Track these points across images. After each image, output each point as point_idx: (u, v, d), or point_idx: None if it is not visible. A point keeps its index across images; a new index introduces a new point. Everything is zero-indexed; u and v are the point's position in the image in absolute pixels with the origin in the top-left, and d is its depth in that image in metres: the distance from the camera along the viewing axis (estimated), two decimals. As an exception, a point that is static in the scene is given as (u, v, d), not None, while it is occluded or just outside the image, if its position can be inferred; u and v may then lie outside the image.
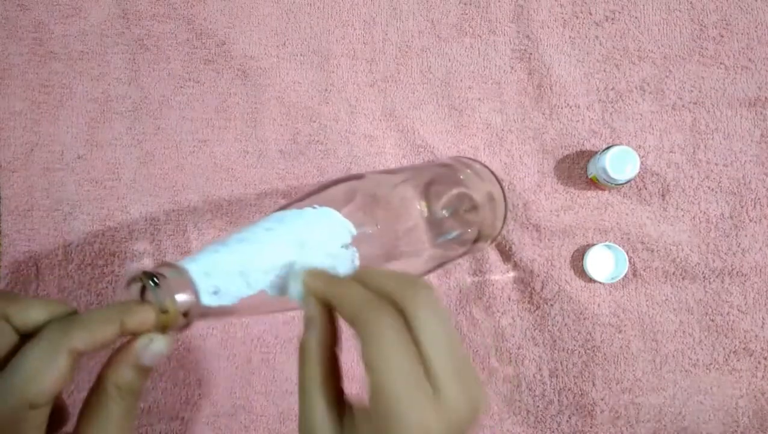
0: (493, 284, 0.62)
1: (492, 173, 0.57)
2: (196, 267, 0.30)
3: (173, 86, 0.65)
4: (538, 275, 0.61)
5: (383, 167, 0.63)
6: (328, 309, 0.30)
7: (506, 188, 0.62)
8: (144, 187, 0.64)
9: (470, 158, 0.61)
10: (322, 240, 0.35)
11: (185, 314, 0.29)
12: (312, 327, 0.30)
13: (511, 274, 0.62)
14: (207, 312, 0.30)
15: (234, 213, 0.64)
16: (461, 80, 0.63)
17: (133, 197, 0.64)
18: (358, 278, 0.30)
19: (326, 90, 0.64)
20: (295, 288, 0.32)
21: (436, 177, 0.51)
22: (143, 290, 0.28)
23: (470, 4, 0.64)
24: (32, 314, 0.27)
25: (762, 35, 0.62)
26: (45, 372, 0.25)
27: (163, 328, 0.28)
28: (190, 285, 0.29)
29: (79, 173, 0.65)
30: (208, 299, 0.30)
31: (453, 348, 0.27)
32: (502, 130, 0.63)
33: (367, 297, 0.28)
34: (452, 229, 0.49)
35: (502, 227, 0.57)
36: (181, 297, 0.28)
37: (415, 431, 0.25)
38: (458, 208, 0.50)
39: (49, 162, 0.65)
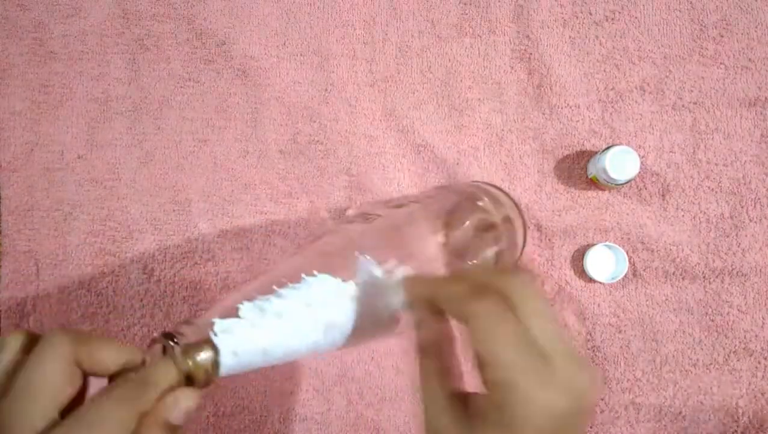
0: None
1: (509, 197, 0.57)
2: (226, 344, 0.30)
3: (173, 86, 0.65)
4: (539, 275, 0.61)
5: (383, 167, 0.63)
6: (436, 309, 0.30)
7: (507, 189, 0.62)
8: (144, 187, 0.64)
9: (487, 183, 0.61)
10: (348, 319, 0.35)
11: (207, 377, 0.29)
12: (423, 327, 0.30)
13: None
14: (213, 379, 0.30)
15: (234, 213, 0.64)
16: (461, 80, 0.63)
17: (134, 197, 0.64)
18: (456, 276, 0.30)
19: (326, 90, 0.64)
20: (398, 298, 0.32)
21: (452, 205, 0.51)
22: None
23: (470, 4, 0.64)
24: (105, 359, 0.27)
25: (762, 35, 0.62)
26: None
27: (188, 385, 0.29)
28: (213, 358, 0.29)
29: (80, 173, 0.65)
30: (225, 372, 0.30)
31: (558, 328, 0.27)
32: (502, 130, 0.63)
33: (468, 289, 0.28)
34: (472, 257, 0.48)
35: (522, 251, 0.57)
36: (203, 358, 0.29)
37: (541, 406, 0.25)
38: (477, 236, 0.49)
39: (49, 162, 0.65)
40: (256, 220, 0.64)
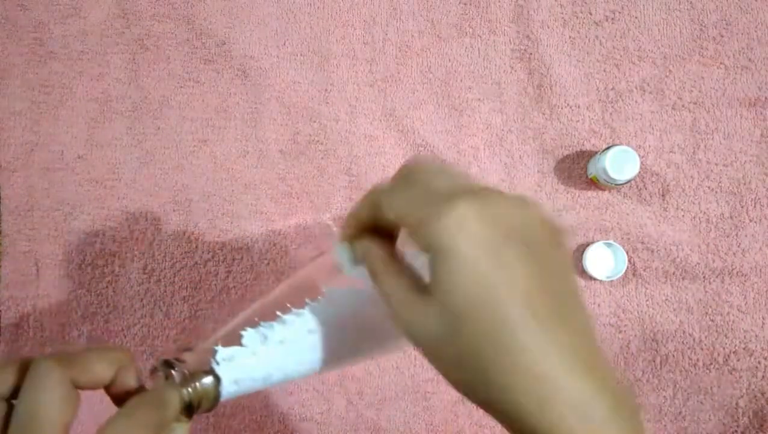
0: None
1: None
2: (228, 373, 0.30)
3: (173, 86, 0.65)
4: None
5: (383, 167, 0.63)
6: (367, 235, 0.30)
7: (507, 189, 0.62)
8: (144, 187, 0.64)
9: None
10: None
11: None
12: (368, 253, 0.29)
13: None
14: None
15: (234, 213, 0.64)
16: (461, 80, 0.63)
17: (134, 197, 0.64)
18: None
19: (326, 90, 0.64)
20: (344, 257, 0.32)
21: None
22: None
23: (470, 4, 0.64)
24: (99, 373, 0.27)
25: (762, 35, 0.62)
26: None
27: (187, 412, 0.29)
28: (215, 386, 0.29)
29: (80, 173, 0.65)
30: (224, 399, 0.30)
31: (463, 176, 0.27)
32: (502, 130, 0.63)
33: (368, 201, 0.29)
34: None
35: None
36: (205, 387, 0.29)
37: (454, 219, 0.23)
38: None
39: (49, 162, 0.65)
40: (256, 220, 0.64)
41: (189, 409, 0.28)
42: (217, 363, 0.30)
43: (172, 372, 0.28)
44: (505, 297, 0.23)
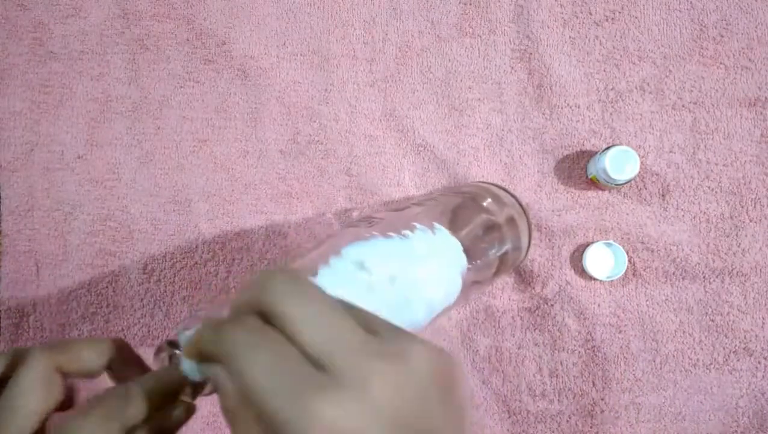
0: (494, 284, 0.62)
1: (514, 197, 0.56)
2: None
3: (173, 86, 0.65)
4: (539, 275, 0.61)
5: (383, 167, 0.63)
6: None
7: (508, 189, 0.62)
8: (144, 187, 0.64)
9: (491, 183, 0.61)
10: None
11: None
12: (223, 391, 0.23)
13: (512, 274, 0.62)
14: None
15: (234, 213, 0.64)
16: (461, 80, 0.63)
17: (134, 197, 0.64)
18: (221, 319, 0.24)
19: (326, 90, 0.64)
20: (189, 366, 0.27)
21: (456, 206, 0.50)
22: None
23: (470, 4, 0.64)
24: (88, 362, 0.27)
25: (762, 35, 0.62)
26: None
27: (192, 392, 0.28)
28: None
29: (80, 173, 0.65)
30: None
31: (341, 321, 0.21)
32: (502, 130, 0.63)
33: (221, 323, 0.22)
34: (476, 259, 0.47)
35: (527, 252, 0.56)
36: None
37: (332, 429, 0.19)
38: (481, 237, 0.49)
39: (49, 162, 0.65)
40: (256, 220, 0.64)
41: (196, 389, 0.27)
42: None
43: (176, 352, 0.27)
44: None
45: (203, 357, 0.23)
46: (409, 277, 0.33)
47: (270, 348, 0.20)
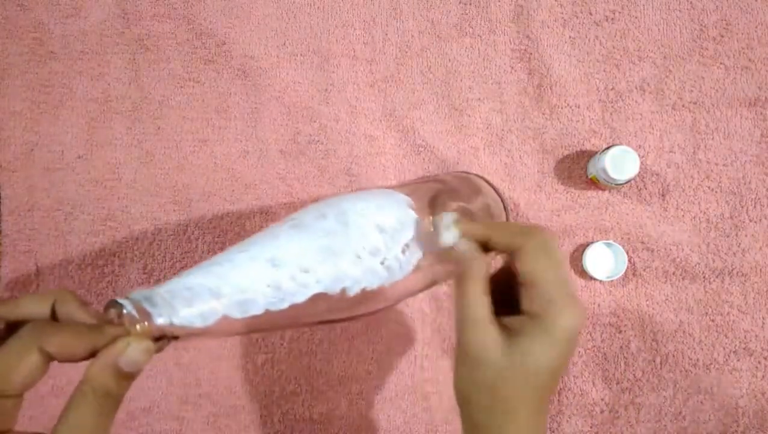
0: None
1: (493, 187, 0.57)
2: (162, 291, 0.30)
3: (173, 86, 0.65)
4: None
5: (383, 167, 0.63)
6: (480, 246, 0.36)
7: (507, 189, 0.62)
8: (144, 187, 0.64)
9: (472, 173, 0.61)
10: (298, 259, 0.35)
11: (158, 338, 0.30)
12: (472, 259, 0.35)
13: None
14: (178, 333, 0.30)
15: (235, 213, 0.64)
16: (461, 80, 0.63)
17: (134, 197, 0.64)
18: (500, 223, 0.38)
19: (326, 90, 0.64)
20: (450, 235, 0.37)
21: (435, 193, 0.51)
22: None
23: (470, 4, 0.64)
24: (73, 348, 0.28)
25: (762, 35, 0.62)
26: (16, 366, 0.27)
27: None
28: (150, 306, 0.29)
29: (80, 173, 0.65)
30: (163, 321, 0.30)
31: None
32: (502, 130, 0.63)
33: (524, 232, 0.35)
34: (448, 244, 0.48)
35: None
36: (158, 320, 0.29)
37: (570, 320, 0.32)
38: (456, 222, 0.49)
39: (49, 162, 0.65)
40: (256, 220, 0.64)
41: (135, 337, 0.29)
42: (159, 286, 0.30)
43: (117, 302, 0.29)
44: (549, 387, 0.33)
45: (483, 240, 0.36)
46: (337, 210, 0.37)
47: (554, 258, 0.33)
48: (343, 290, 0.36)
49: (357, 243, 0.36)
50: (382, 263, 0.37)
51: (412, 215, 0.40)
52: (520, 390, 0.33)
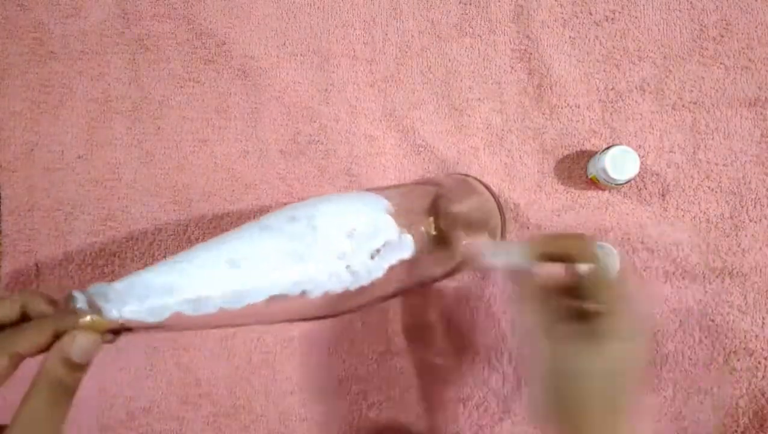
0: (494, 284, 0.62)
1: (488, 188, 0.57)
2: (119, 286, 0.32)
3: (173, 86, 0.65)
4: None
5: (383, 167, 0.63)
6: (552, 259, 0.38)
7: (507, 189, 0.62)
8: (144, 187, 0.64)
9: (464, 174, 0.61)
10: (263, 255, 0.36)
11: (116, 331, 0.31)
12: (530, 276, 0.37)
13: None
14: (132, 326, 0.31)
15: (234, 213, 0.64)
16: (461, 80, 0.63)
17: (134, 197, 0.64)
18: (564, 235, 0.41)
19: (326, 90, 0.64)
20: (516, 255, 0.38)
21: (431, 196, 0.51)
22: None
23: (470, 4, 0.64)
24: (2, 312, 0.30)
25: (762, 35, 0.62)
26: None
27: None
28: (102, 301, 0.30)
29: (80, 173, 0.65)
30: (114, 315, 0.31)
31: None
32: (502, 130, 0.63)
33: (586, 243, 0.37)
34: (443, 247, 0.48)
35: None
36: (110, 312, 0.30)
37: (623, 318, 0.34)
38: (452, 226, 0.49)
39: (49, 162, 0.65)
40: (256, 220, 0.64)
41: (91, 327, 0.30)
42: (116, 282, 0.32)
43: (72, 295, 0.30)
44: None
45: (546, 258, 0.37)
46: (309, 213, 0.37)
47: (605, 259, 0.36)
48: (303, 293, 0.36)
49: (323, 247, 0.36)
50: (347, 267, 0.37)
51: (388, 219, 0.40)
52: (622, 389, 0.34)
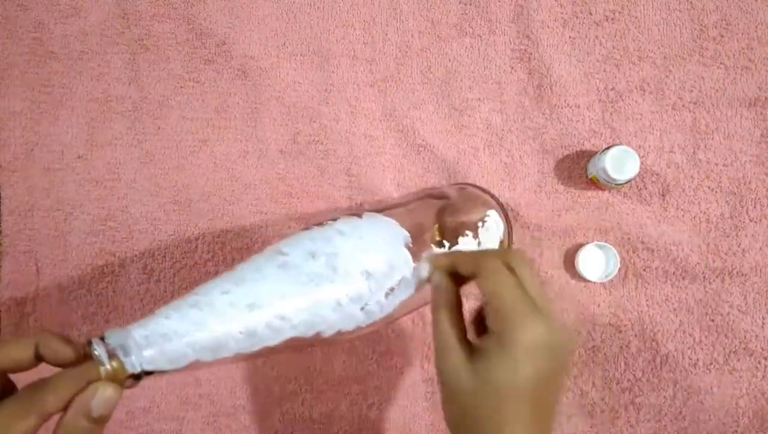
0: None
1: (493, 197, 0.57)
2: (137, 336, 0.31)
3: (173, 86, 0.65)
4: (539, 275, 0.61)
5: (383, 167, 0.63)
6: (449, 275, 0.38)
7: (507, 189, 0.62)
8: (144, 187, 0.64)
9: (469, 184, 0.61)
10: (278, 300, 0.36)
11: (137, 376, 0.31)
12: (440, 290, 0.37)
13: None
14: (150, 371, 0.32)
15: (234, 213, 0.64)
16: (461, 80, 0.63)
17: (134, 197, 0.64)
18: (468, 252, 0.42)
19: (326, 90, 0.64)
20: (423, 268, 0.39)
21: (443, 206, 0.51)
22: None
23: (470, 4, 0.64)
24: (12, 355, 0.30)
25: (762, 35, 0.62)
26: (12, 429, 0.28)
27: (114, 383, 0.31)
28: (122, 354, 0.31)
29: (80, 172, 0.65)
30: (134, 366, 0.31)
31: (544, 289, 0.36)
32: (502, 130, 0.63)
33: (481, 256, 0.37)
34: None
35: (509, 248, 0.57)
36: (128, 359, 0.31)
37: (531, 333, 0.32)
38: (457, 237, 0.49)
39: (49, 162, 0.65)
40: (256, 220, 0.64)
41: (113, 376, 0.30)
42: (134, 327, 0.32)
43: (92, 345, 0.30)
44: (528, 400, 0.33)
45: (452, 270, 0.37)
46: (329, 250, 0.37)
47: (514, 281, 0.34)
48: (317, 333, 0.36)
49: (341, 290, 0.36)
50: (362, 308, 0.37)
51: (405, 255, 0.40)
52: (501, 407, 0.33)
